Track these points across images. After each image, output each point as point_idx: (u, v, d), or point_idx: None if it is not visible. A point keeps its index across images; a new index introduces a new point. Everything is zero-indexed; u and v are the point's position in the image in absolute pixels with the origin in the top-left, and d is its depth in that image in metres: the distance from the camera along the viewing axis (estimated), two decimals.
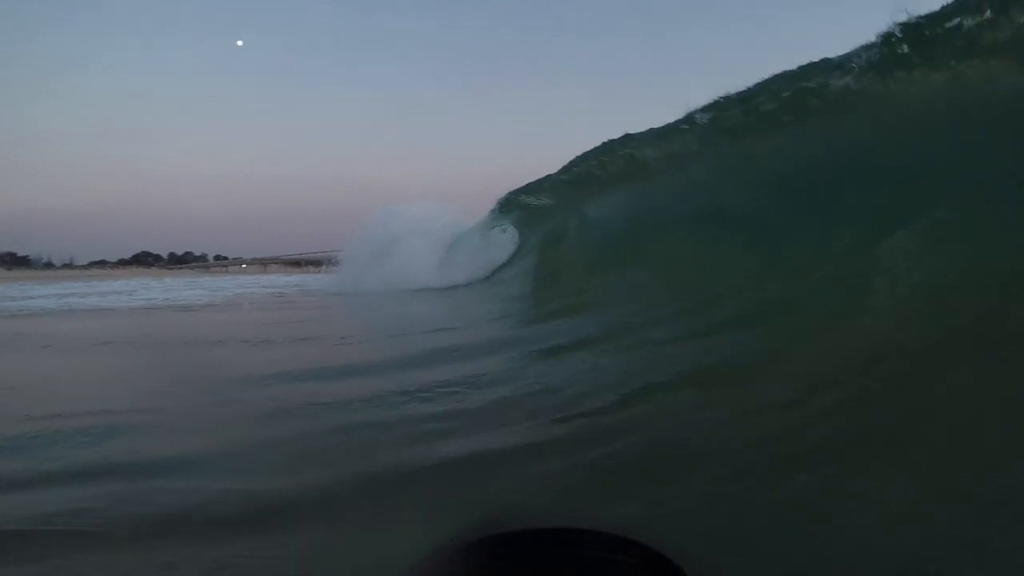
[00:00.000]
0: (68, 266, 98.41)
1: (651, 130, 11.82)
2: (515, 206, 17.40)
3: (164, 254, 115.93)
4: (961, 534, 1.79)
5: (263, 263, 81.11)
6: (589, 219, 11.70)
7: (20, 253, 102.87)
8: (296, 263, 70.66)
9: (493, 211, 18.63)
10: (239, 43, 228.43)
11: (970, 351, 2.67)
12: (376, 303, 13.49)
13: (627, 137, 12.80)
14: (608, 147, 13.45)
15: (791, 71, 8.26)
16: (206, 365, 6.68)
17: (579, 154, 14.98)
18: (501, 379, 4.63)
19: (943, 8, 6.21)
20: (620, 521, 2.15)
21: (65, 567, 2.18)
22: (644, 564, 0.69)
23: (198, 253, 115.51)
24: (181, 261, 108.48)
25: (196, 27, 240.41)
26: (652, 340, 4.74)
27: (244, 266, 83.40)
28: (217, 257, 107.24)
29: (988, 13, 5.28)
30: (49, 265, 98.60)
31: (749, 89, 9.05)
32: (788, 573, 1.82)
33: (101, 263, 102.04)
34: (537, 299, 9.20)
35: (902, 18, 6.64)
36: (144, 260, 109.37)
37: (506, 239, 15.20)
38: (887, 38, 6.73)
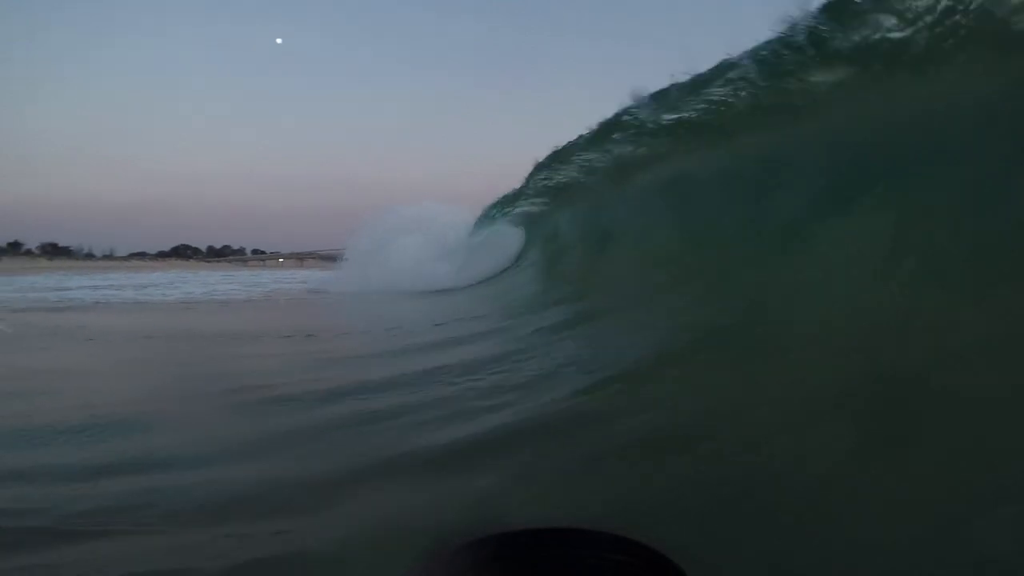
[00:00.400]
0: (108, 257, 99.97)
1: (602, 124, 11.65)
2: (499, 215, 17.39)
3: (203, 247, 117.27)
4: (961, 534, 1.80)
5: (300, 258, 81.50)
6: (575, 222, 11.86)
7: (62, 244, 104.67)
8: (332, 258, 70.58)
9: (480, 220, 18.61)
10: (278, 40, 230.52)
11: (970, 348, 2.62)
12: (402, 301, 13.51)
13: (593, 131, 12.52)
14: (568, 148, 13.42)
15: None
16: (250, 360, 6.87)
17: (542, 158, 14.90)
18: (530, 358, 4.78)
19: None
20: (608, 519, 2.21)
21: (115, 558, 2.32)
22: (644, 564, 0.68)
23: (236, 247, 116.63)
24: (219, 255, 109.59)
25: (234, 22, 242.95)
26: (647, 340, 4.77)
27: (281, 261, 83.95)
28: (255, 251, 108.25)
29: None
30: (90, 256, 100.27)
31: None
32: (788, 573, 1.85)
33: (141, 255, 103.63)
34: (542, 295, 9.20)
35: None
36: (183, 253, 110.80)
37: (503, 244, 14.92)
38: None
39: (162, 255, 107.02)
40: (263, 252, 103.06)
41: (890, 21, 5.34)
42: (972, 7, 4.57)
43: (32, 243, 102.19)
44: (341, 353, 6.91)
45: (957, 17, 4.62)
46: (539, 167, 15.11)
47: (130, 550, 2.39)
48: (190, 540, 2.44)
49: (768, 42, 7.15)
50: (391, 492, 2.80)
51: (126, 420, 4.08)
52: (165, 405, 4.52)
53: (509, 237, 14.80)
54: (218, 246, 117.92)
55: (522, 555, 0.69)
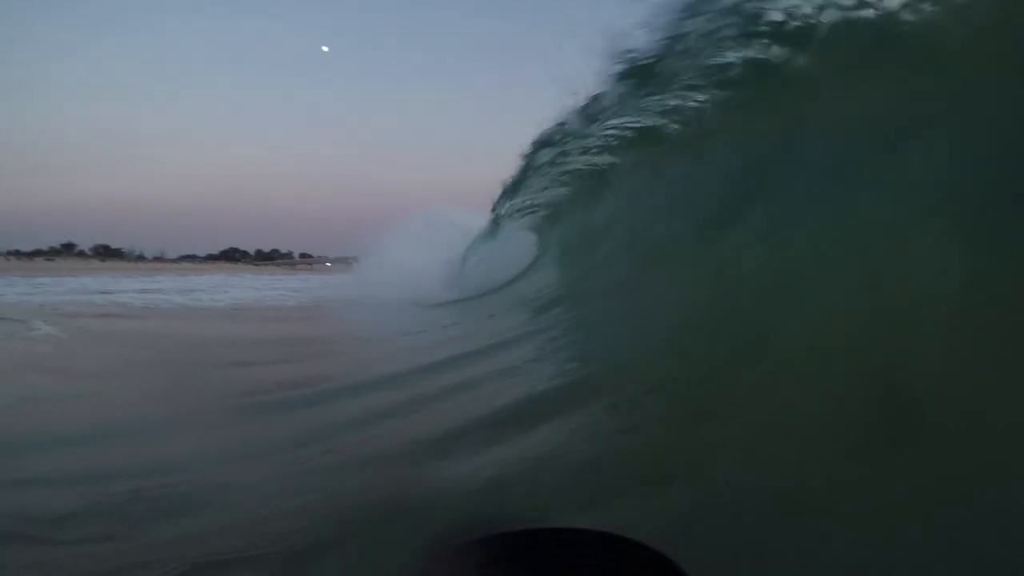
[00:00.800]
0: (159, 259, 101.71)
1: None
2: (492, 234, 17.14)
3: (251, 251, 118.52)
4: (961, 535, 1.81)
5: (347, 262, 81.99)
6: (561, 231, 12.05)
7: (114, 246, 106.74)
8: None
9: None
10: (324, 48, 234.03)
11: (970, 348, 2.54)
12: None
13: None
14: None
15: None
16: (302, 363, 7.15)
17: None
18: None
19: None
20: (617, 520, 2.27)
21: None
22: (644, 564, 0.68)
23: (284, 250, 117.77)
24: (267, 258, 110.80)
25: (281, 29, 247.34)
26: (650, 346, 4.75)
27: (328, 264, 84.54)
28: (302, 255, 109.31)
29: None
30: (141, 258, 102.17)
31: None
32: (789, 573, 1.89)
33: (191, 258, 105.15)
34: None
35: None
36: (232, 256, 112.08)
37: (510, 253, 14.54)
38: None
39: (211, 258, 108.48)
40: (311, 256, 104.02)
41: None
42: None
43: (85, 244, 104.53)
44: (409, 351, 7.18)
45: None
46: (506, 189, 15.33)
47: (202, 536, 2.58)
48: (255, 526, 2.62)
49: None
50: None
51: (184, 425, 4.35)
52: (224, 411, 4.74)
53: (508, 252, 14.62)
54: (266, 249, 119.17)
55: (522, 555, 0.70)
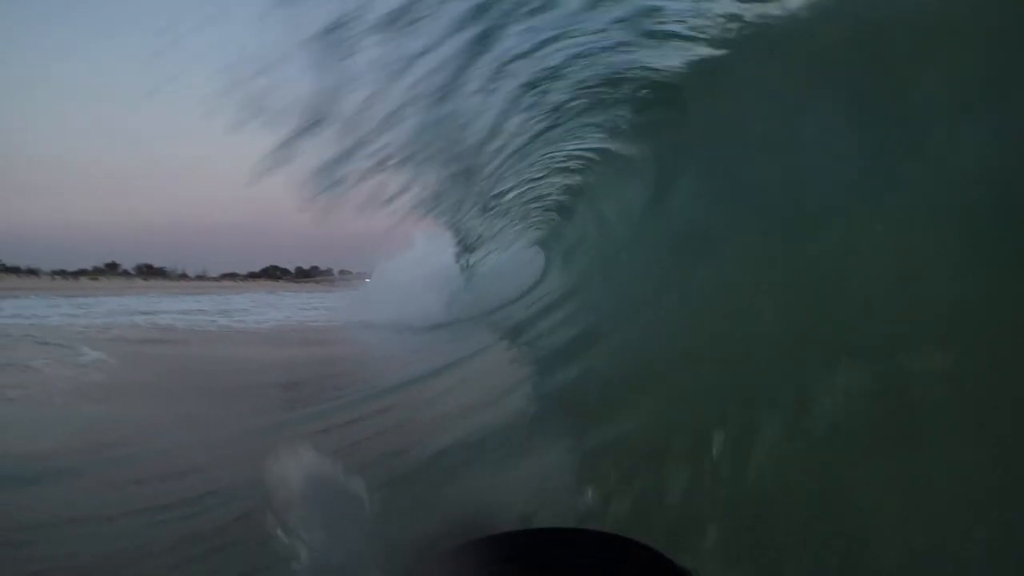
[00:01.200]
0: (201, 278, 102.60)
1: None
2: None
3: (291, 268, 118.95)
4: (963, 536, 1.78)
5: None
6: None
7: (156, 264, 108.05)
8: None
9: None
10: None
11: (972, 346, 2.33)
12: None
13: None
14: None
15: None
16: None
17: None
18: None
19: None
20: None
21: None
22: (644, 564, 0.70)
23: (323, 268, 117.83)
24: (307, 275, 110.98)
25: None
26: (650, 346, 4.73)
27: (367, 280, 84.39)
28: (342, 272, 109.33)
29: None
30: (184, 276, 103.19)
31: None
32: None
33: (232, 276, 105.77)
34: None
35: None
36: (272, 274, 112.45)
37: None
38: None
39: (252, 276, 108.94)
40: (350, 272, 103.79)
41: None
42: None
43: (128, 264, 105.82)
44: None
45: None
46: None
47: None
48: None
49: None
50: None
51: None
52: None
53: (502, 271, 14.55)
54: (306, 267, 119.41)
55: (522, 555, 0.72)
